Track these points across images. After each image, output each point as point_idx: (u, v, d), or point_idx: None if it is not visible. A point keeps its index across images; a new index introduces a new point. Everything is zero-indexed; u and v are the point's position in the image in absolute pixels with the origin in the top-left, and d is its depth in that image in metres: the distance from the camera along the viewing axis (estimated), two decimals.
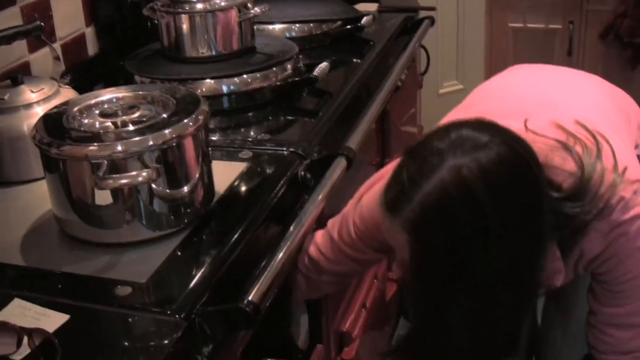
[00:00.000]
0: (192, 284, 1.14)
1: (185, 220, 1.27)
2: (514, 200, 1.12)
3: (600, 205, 1.26)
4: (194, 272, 1.16)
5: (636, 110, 1.62)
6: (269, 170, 1.46)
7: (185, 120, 1.24)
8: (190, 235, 1.26)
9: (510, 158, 1.12)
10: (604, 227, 1.28)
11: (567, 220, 1.25)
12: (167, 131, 1.21)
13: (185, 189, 1.26)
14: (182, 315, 1.07)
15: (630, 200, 1.27)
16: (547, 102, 1.45)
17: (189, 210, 1.27)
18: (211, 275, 1.16)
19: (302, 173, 1.47)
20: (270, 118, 1.73)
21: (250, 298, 1.13)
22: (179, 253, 1.22)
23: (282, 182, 1.41)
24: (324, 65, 1.81)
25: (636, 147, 1.54)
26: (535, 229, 1.18)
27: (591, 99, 1.53)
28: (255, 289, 1.16)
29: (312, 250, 1.49)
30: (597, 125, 1.36)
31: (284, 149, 1.53)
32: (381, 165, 2.18)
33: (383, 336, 2.42)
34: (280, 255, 1.26)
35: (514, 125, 1.23)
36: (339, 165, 1.52)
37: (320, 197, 1.43)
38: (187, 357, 1.08)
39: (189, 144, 1.24)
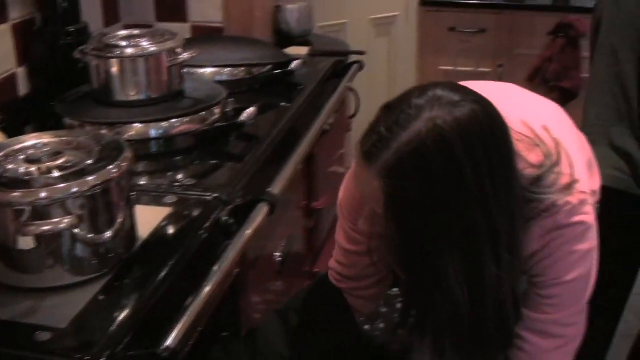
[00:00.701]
0: (112, 329, 1.15)
1: (108, 265, 1.29)
2: (487, 154, 1.19)
3: (549, 203, 1.32)
4: (115, 317, 1.18)
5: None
6: (192, 215, 1.48)
7: (109, 167, 1.26)
8: (113, 280, 1.28)
9: (483, 115, 1.20)
10: (547, 225, 1.33)
11: (523, 205, 1.31)
12: (90, 178, 1.23)
13: (108, 234, 1.28)
14: None
15: (576, 207, 1.33)
16: (518, 104, 1.51)
17: (111, 256, 1.30)
18: (132, 320, 1.18)
19: (225, 218, 1.50)
20: (196, 162, 1.76)
21: (167, 343, 1.16)
22: (101, 298, 1.24)
23: (204, 227, 1.44)
24: (251, 110, 1.84)
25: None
26: (507, 184, 1.24)
27: (552, 112, 1.59)
28: (174, 334, 1.18)
29: (331, 263, 1.60)
30: (559, 135, 1.41)
31: (208, 194, 1.55)
32: (308, 208, 2.22)
33: None
34: (199, 299, 1.29)
35: None
36: (261, 211, 1.56)
37: (241, 241, 1.46)
38: None
39: (112, 191, 1.27)
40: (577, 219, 1.33)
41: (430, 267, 1.25)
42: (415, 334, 1.44)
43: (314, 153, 2.19)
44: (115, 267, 1.30)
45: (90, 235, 1.26)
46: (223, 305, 1.59)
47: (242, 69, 2.24)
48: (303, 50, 2.60)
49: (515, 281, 1.35)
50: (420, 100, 1.20)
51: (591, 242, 1.36)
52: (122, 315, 1.18)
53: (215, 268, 1.37)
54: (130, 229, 1.35)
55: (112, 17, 2.61)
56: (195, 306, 1.27)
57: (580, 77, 3.85)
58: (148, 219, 1.45)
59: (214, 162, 1.78)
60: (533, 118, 1.42)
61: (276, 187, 1.66)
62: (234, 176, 1.66)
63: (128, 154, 1.32)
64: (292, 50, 2.56)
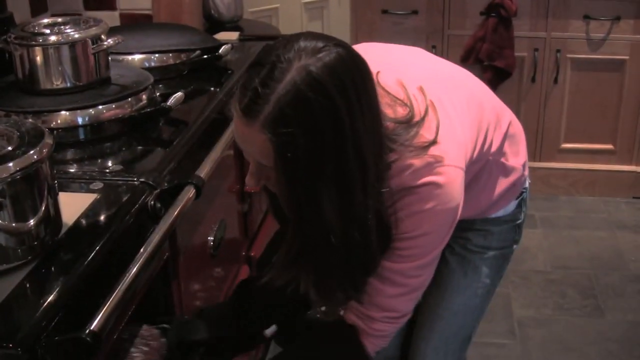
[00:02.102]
0: (37, 315, 1.14)
1: (33, 253, 1.28)
2: (357, 91, 1.29)
3: (398, 159, 1.41)
4: (40, 303, 1.17)
5: (495, 105, 1.72)
6: (119, 201, 1.48)
7: (29, 153, 1.25)
8: (38, 267, 1.27)
9: (347, 57, 1.29)
10: (395, 184, 1.42)
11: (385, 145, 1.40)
12: (10, 164, 1.22)
13: (31, 221, 1.27)
14: (24, 347, 1.08)
15: (421, 169, 1.42)
16: (404, 65, 1.59)
17: (35, 243, 1.28)
18: (58, 305, 1.17)
19: (152, 202, 1.50)
20: (124, 149, 1.75)
21: (92, 327, 1.15)
22: (26, 285, 1.23)
23: (131, 212, 1.44)
24: (178, 95, 1.84)
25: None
26: (374, 122, 1.34)
27: (447, 75, 1.66)
28: (97, 318, 1.18)
29: None
30: (438, 99, 1.49)
31: (135, 179, 1.55)
32: (241, 192, 2.22)
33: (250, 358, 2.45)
34: (126, 282, 1.28)
35: None
36: (188, 193, 1.56)
37: (167, 225, 1.45)
38: None
39: (33, 177, 1.26)
40: (420, 181, 1.42)
41: (309, 201, 1.33)
42: (292, 265, 1.50)
43: None
44: (40, 254, 1.29)
45: (13, 223, 1.25)
46: (155, 290, 1.59)
47: (170, 54, 2.23)
48: (233, 36, 2.60)
49: (381, 210, 1.42)
50: (288, 53, 1.26)
51: (440, 202, 1.43)
52: (48, 301, 1.17)
53: (141, 251, 1.36)
54: (55, 216, 1.34)
55: (39, 6, 2.59)
56: (120, 290, 1.26)
57: (513, 56, 3.89)
58: (74, 205, 1.44)
59: (142, 147, 1.78)
60: (412, 79, 1.50)
61: (203, 171, 1.66)
62: (162, 161, 1.66)
63: (49, 139, 1.30)
64: (222, 36, 2.56)
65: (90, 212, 1.44)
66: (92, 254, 1.30)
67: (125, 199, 1.48)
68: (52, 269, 1.27)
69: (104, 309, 1.21)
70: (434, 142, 1.42)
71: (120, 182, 1.55)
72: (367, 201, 1.36)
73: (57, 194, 1.35)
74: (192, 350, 1.65)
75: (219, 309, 1.75)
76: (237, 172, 2.17)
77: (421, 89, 1.49)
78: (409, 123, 1.42)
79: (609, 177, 4.15)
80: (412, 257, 1.50)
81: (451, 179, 1.44)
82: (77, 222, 1.40)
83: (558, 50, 3.94)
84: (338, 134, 1.27)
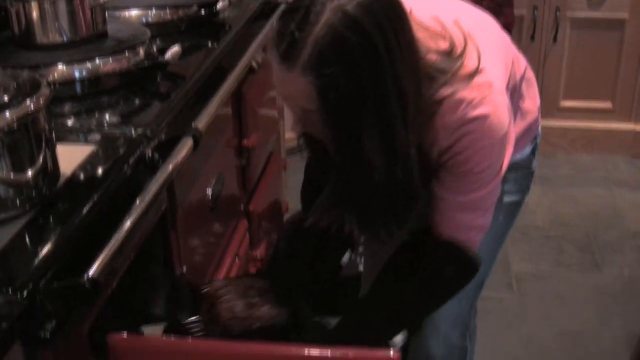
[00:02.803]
0: (35, 264, 1.15)
1: (30, 203, 1.29)
2: (392, 25, 1.30)
3: (449, 93, 1.44)
4: (38, 252, 1.17)
5: (514, 48, 1.76)
6: (116, 152, 1.48)
7: (26, 103, 1.25)
8: (36, 217, 1.27)
9: None
10: (451, 122, 1.45)
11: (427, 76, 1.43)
12: (7, 114, 1.22)
13: (29, 172, 1.27)
14: (23, 294, 1.09)
15: (474, 100, 1.44)
16: (436, 3, 1.61)
17: (33, 193, 1.29)
18: (55, 254, 1.18)
19: (150, 154, 1.50)
20: (121, 102, 1.75)
21: (90, 274, 1.16)
22: (24, 234, 1.23)
23: (129, 163, 1.44)
24: (175, 48, 1.83)
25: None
26: (411, 53, 1.36)
27: (478, 16, 1.68)
28: (95, 265, 1.19)
29: None
30: (473, 31, 1.51)
31: (132, 131, 1.55)
32: (239, 146, 2.23)
33: None
34: (122, 231, 1.29)
35: None
36: (186, 145, 1.56)
37: (165, 175, 1.46)
38: (30, 334, 1.11)
39: (30, 127, 1.26)
40: (476, 113, 1.45)
41: (352, 140, 1.36)
42: (336, 206, 1.56)
43: (243, 91, 2.19)
44: (38, 205, 1.30)
45: (11, 173, 1.25)
46: (153, 241, 1.60)
47: (167, 10, 2.22)
48: None
49: (423, 146, 1.46)
50: None
51: (498, 131, 1.47)
52: (45, 250, 1.18)
53: (139, 200, 1.37)
54: (52, 167, 1.34)
55: None
56: (117, 238, 1.27)
57: (513, 14, 3.88)
58: (72, 157, 1.44)
59: (140, 101, 1.78)
60: (446, 14, 1.52)
61: (201, 122, 1.66)
62: (159, 114, 1.66)
63: (45, 90, 1.31)
64: None
65: (88, 163, 1.44)
66: (90, 204, 1.30)
67: (122, 150, 1.49)
68: (50, 219, 1.28)
69: (102, 256, 1.21)
70: (478, 70, 1.45)
71: (117, 134, 1.55)
72: (409, 136, 1.39)
73: (55, 146, 1.36)
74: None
75: (279, 262, 1.86)
76: (235, 127, 2.18)
77: (457, 23, 1.50)
78: (452, 54, 1.44)
79: (608, 136, 4.15)
80: (484, 181, 1.54)
81: (499, 104, 1.47)
82: (74, 174, 1.41)
83: (557, 9, 3.93)
84: (377, 69, 1.29)
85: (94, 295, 1.16)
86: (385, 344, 1.67)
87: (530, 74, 1.82)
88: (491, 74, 1.48)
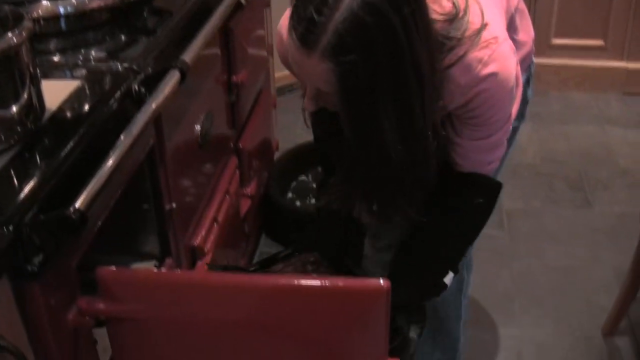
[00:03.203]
0: (21, 197, 1.14)
1: (15, 138, 1.28)
2: (410, 6, 1.28)
3: (461, 53, 1.43)
4: (24, 185, 1.16)
5: None
6: (103, 87, 1.47)
7: (9, 36, 1.23)
8: (21, 151, 1.26)
9: None
10: (464, 83, 1.46)
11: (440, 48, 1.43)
12: None
13: (14, 107, 1.26)
14: (9, 227, 1.08)
15: (484, 57, 1.44)
16: None
17: (18, 128, 1.28)
18: (42, 187, 1.17)
19: (136, 87, 1.49)
20: (107, 38, 1.73)
21: (77, 205, 1.16)
22: (10, 168, 1.22)
23: (115, 97, 1.43)
24: None
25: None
26: (426, 31, 1.35)
27: None
28: (82, 196, 1.18)
29: None
30: None
31: (119, 65, 1.54)
32: (228, 82, 2.21)
33: (240, 252, 2.48)
34: (109, 163, 1.28)
35: None
36: (172, 77, 1.55)
37: (152, 108, 1.45)
38: (17, 267, 1.11)
39: (13, 60, 1.24)
40: (488, 70, 1.44)
41: (370, 121, 1.35)
42: (350, 186, 1.58)
43: (231, 27, 2.16)
44: (23, 139, 1.29)
45: None
46: (142, 177, 1.60)
47: None
48: None
49: (437, 125, 1.48)
50: None
51: (508, 83, 1.48)
52: (31, 184, 1.17)
53: (126, 133, 1.36)
54: (37, 102, 1.33)
55: None
56: (104, 171, 1.26)
57: None
58: (57, 92, 1.43)
59: (126, 37, 1.75)
60: None
61: (187, 56, 1.64)
62: (146, 49, 1.64)
63: (28, 23, 1.29)
64: None
65: (74, 98, 1.43)
66: (76, 138, 1.29)
67: (109, 84, 1.47)
68: (36, 153, 1.27)
69: (89, 188, 1.21)
70: (484, 26, 1.44)
71: (103, 68, 1.54)
72: (426, 116, 1.40)
73: (40, 81, 1.34)
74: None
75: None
76: (224, 64, 2.16)
77: None
78: (457, 15, 1.43)
79: (600, 74, 4.13)
80: (499, 127, 1.57)
81: (507, 56, 1.47)
82: (60, 108, 1.39)
83: None
84: (396, 55, 1.28)
85: (81, 227, 1.16)
86: (436, 284, 1.72)
87: (523, 6, 1.82)
88: (495, 26, 1.48)
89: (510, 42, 1.51)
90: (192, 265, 1.92)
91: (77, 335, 1.31)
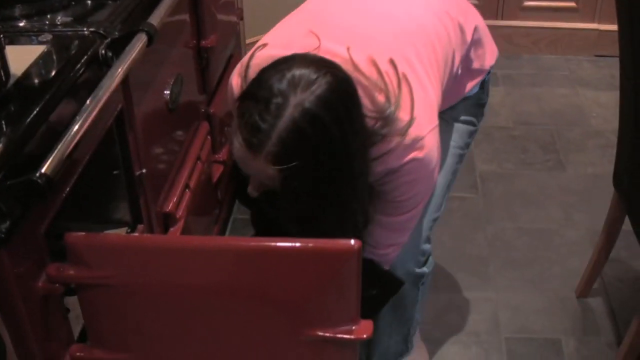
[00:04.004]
0: None
1: None
2: (347, 113, 1.39)
3: (387, 148, 1.52)
4: None
5: (458, 14, 1.77)
6: (69, 51, 1.45)
7: None
8: None
9: (337, 84, 1.37)
10: (386, 165, 1.55)
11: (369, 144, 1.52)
12: None
13: None
14: None
15: (404, 150, 1.53)
16: (366, 35, 1.60)
17: None
18: (8, 153, 1.15)
19: (103, 51, 1.47)
20: (73, 3, 1.70)
21: (43, 170, 1.14)
22: None
23: (82, 62, 1.41)
24: None
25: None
26: (361, 130, 1.45)
27: (402, 18, 1.67)
28: (48, 161, 1.17)
29: None
30: (408, 58, 1.57)
31: (85, 29, 1.52)
32: (198, 47, 2.19)
33: (213, 219, 2.47)
34: (76, 128, 1.27)
35: (339, 49, 1.49)
36: (139, 41, 1.53)
37: (118, 71, 1.43)
38: None
39: None
40: (405, 160, 1.54)
41: (309, 207, 1.47)
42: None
43: None
44: None
45: None
46: (111, 141, 1.58)
47: None
48: None
49: (366, 199, 1.57)
50: (282, 85, 1.33)
51: (423, 169, 1.57)
52: None
53: (92, 97, 1.34)
54: (1, 67, 1.31)
55: None
56: (70, 136, 1.25)
57: None
58: (22, 58, 1.41)
59: (92, 2, 1.72)
60: (380, 50, 1.54)
61: (155, 19, 1.62)
62: (112, 13, 1.62)
63: None
64: None
65: (40, 63, 1.41)
66: (42, 103, 1.27)
67: (75, 49, 1.46)
68: (1, 119, 1.24)
69: (55, 153, 1.19)
70: (411, 121, 1.51)
71: (69, 33, 1.52)
72: (358, 199, 1.51)
73: (3, 46, 1.32)
74: None
75: None
76: (193, 28, 2.14)
77: (391, 62, 1.53)
78: (388, 115, 1.49)
79: (572, 35, 4.13)
80: (409, 208, 1.65)
81: (430, 145, 1.55)
82: (26, 74, 1.37)
83: None
84: (335, 158, 1.38)
85: (48, 192, 1.14)
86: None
87: (481, 33, 1.85)
88: (423, 119, 1.54)
89: (437, 129, 1.58)
90: (165, 231, 1.91)
91: (48, 303, 1.30)
